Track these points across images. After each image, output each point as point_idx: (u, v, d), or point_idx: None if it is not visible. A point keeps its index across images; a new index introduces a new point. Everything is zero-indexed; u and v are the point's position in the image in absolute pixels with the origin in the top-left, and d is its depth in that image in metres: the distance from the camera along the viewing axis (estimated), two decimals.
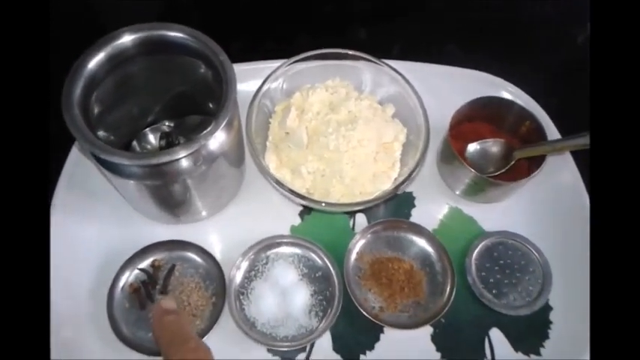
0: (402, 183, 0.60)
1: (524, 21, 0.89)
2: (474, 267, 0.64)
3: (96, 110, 0.55)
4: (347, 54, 0.66)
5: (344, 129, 0.62)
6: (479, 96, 0.67)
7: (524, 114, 0.67)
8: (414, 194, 0.69)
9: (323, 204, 0.59)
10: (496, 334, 0.61)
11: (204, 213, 0.64)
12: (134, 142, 0.66)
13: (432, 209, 0.68)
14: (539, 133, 0.66)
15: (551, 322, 0.62)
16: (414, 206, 0.68)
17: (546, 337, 0.61)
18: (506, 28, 0.88)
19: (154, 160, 0.49)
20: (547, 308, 0.62)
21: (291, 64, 0.66)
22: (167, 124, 0.67)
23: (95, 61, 0.53)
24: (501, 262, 0.65)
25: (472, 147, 0.68)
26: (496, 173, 0.66)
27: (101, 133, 0.57)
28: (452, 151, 0.64)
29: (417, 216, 0.68)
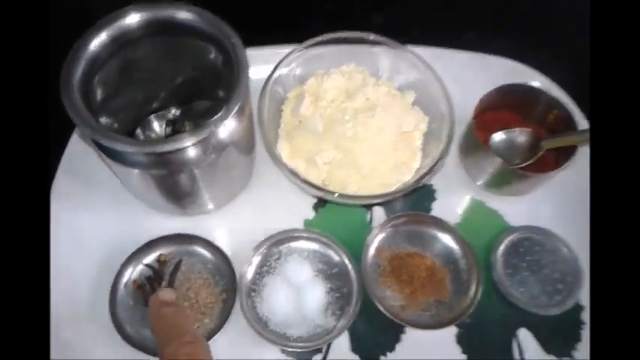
0: (426, 174, 0.56)
1: (548, 8, 0.85)
2: (499, 264, 0.60)
3: (98, 95, 0.52)
4: (363, 38, 0.63)
5: (362, 116, 0.58)
6: (503, 84, 0.63)
7: (552, 103, 0.63)
8: (435, 187, 0.65)
9: (336, 194, 0.55)
10: (525, 335, 0.57)
11: (212, 205, 0.61)
12: (138, 130, 0.62)
13: (453, 202, 0.65)
14: (567, 123, 0.62)
15: (583, 323, 0.58)
16: (434, 199, 0.64)
17: (578, 339, 0.57)
18: (528, 15, 0.83)
19: (161, 148, 0.46)
20: (578, 308, 0.59)
21: (304, 49, 0.63)
22: (173, 111, 0.63)
23: (97, 42, 0.50)
24: (528, 258, 0.61)
25: (497, 136, 0.64)
26: (522, 165, 0.62)
27: (103, 120, 0.53)
28: (477, 140, 0.60)
29: (438, 209, 0.64)
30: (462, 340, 0.57)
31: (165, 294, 0.47)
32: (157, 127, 0.63)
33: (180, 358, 0.40)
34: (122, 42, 0.51)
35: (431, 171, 0.56)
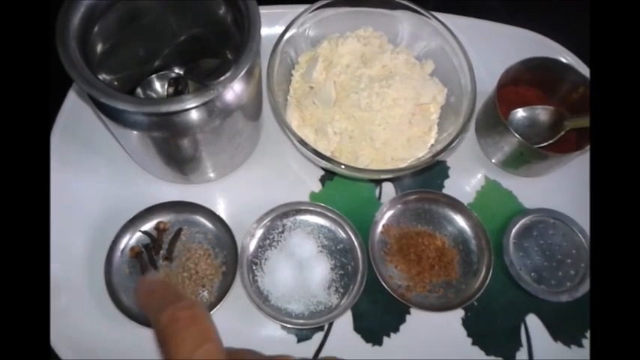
0: (442, 151, 0.53)
1: None
2: (511, 247, 0.58)
3: (97, 47, 0.48)
4: (383, 0, 0.58)
5: (378, 85, 0.54)
6: (525, 58, 0.60)
7: (579, 80, 0.60)
8: (448, 163, 0.62)
9: (343, 166, 0.51)
10: (533, 321, 0.56)
11: (215, 173, 0.58)
12: (138, 90, 0.58)
13: (467, 181, 0.62)
14: None
15: None
16: (447, 177, 0.62)
17: (589, 326, 0.55)
18: None
19: (164, 108, 0.42)
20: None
21: (319, 8, 0.58)
22: (177, 71, 0.59)
23: None
24: (542, 242, 0.59)
25: (518, 113, 0.61)
26: (543, 144, 0.59)
27: (101, 77, 0.50)
28: (497, 117, 0.56)
29: (450, 187, 0.61)
30: (468, 324, 0.55)
31: (151, 275, 0.43)
32: (159, 87, 0.59)
33: (181, 322, 0.31)
34: None
35: (447, 147, 0.53)
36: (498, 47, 0.65)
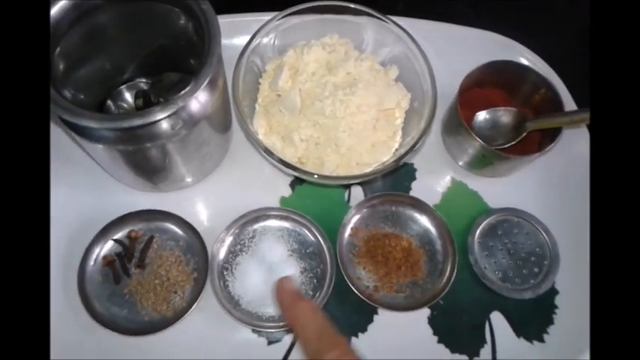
0: (405, 155, 0.54)
1: None
2: (476, 246, 0.59)
3: (61, 66, 0.49)
4: (348, 7, 0.59)
5: (342, 93, 0.55)
6: (490, 60, 0.61)
7: (540, 82, 0.61)
8: (415, 166, 0.64)
9: (315, 176, 0.53)
10: (497, 318, 0.57)
11: (185, 181, 0.59)
12: (109, 101, 0.60)
13: (434, 183, 0.63)
14: (555, 104, 0.60)
15: (556, 307, 0.58)
16: (414, 179, 0.63)
17: (551, 322, 0.57)
18: None
19: (126, 123, 0.43)
20: (553, 292, 0.58)
21: (285, 17, 0.59)
22: (145, 81, 0.60)
23: (58, 8, 0.47)
24: (506, 241, 0.60)
25: (481, 115, 0.62)
26: (506, 145, 0.60)
27: (68, 92, 0.51)
28: (459, 120, 0.58)
29: (417, 189, 0.62)
30: (433, 322, 0.57)
31: (289, 282, 0.43)
32: (129, 98, 0.60)
33: None
34: (86, 8, 0.48)
35: (411, 151, 0.54)
36: (464, 50, 0.66)
